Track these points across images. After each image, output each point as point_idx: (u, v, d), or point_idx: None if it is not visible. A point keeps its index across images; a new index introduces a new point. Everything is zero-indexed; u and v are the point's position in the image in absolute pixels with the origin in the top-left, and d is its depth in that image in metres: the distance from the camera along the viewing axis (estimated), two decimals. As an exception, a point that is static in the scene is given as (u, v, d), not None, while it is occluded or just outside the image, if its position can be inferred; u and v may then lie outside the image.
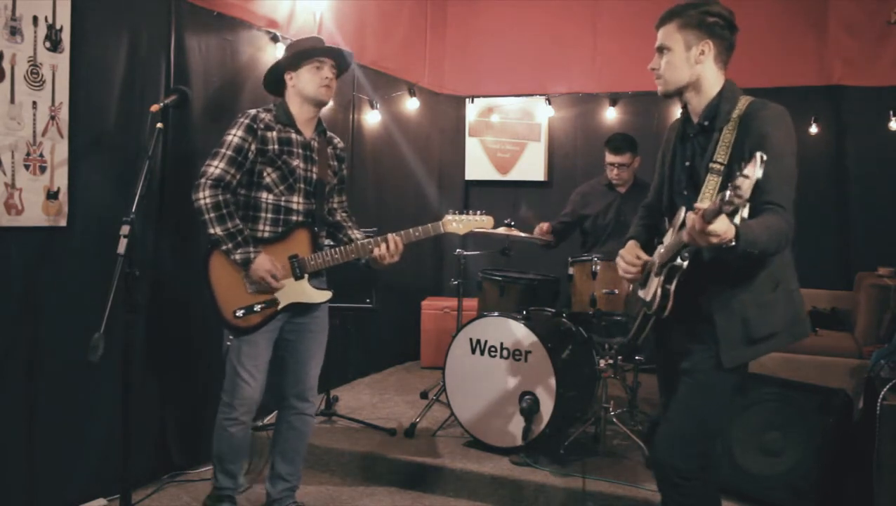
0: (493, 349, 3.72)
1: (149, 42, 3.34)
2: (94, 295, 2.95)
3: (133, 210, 2.38)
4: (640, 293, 2.33)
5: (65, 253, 3.00)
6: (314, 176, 2.95)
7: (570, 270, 3.87)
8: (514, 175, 6.04)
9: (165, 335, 3.46)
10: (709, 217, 1.80)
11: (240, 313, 2.83)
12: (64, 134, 2.98)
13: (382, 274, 4.08)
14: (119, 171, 3.15)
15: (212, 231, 2.75)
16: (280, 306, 2.87)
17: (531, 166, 5.99)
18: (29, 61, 2.83)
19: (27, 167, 2.85)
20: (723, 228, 1.81)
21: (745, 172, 1.66)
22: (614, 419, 3.74)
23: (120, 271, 2.21)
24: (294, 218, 2.90)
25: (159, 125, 2.45)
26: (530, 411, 3.53)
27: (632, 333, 2.36)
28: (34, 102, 2.86)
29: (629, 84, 5.57)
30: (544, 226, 4.35)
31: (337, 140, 3.14)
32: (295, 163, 2.89)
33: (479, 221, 2.98)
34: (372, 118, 5.18)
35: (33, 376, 2.91)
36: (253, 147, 2.82)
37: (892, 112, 4.98)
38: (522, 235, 4.13)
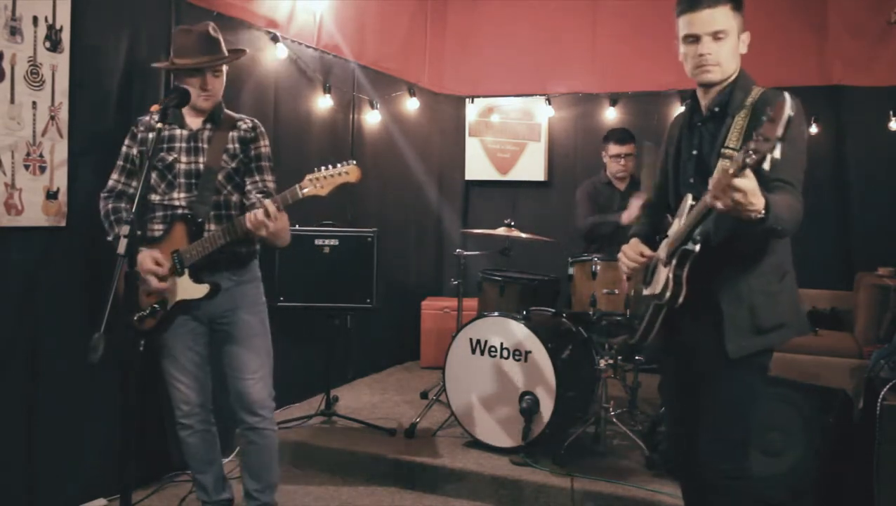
0: (493, 349, 3.72)
1: (149, 42, 3.34)
2: (94, 295, 2.97)
3: (133, 210, 2.38)
4: (646, 291, 2.30)
5: (65, 253, 3.01)
6: (200, 166, 2.78)
7: (570, 270, 3.87)
8: (514, 175, 6.03)
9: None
10: (735, 170, 1.74)
11: (137, 317, 2.68)
12: (64, 134, 2.98)
13: (382, 274, 4.11)
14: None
15: (108, 238, 2.77)
16: (169, 307, 2.73)
17: (531, 166, 5.98)
18: (29, 61, 2.84)
19: (27, 167, 2.85)
20: (749, 186, 1.74)
21: (770, 115, 1.65)
22: (614, 419, 3.74)
23: (120, 271, 2.21)
24: (179, 213, 2.77)
25: (159, 125, 2.45)
26: (530, 411, 3.53)
27: (640, 332, 2.31)
28: (34, 102, 2.86)
29: (629, 84, 5.56)
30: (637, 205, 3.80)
31: (242, 122, 2.87)
32: (171, 158, 2.76)
33: (342, 175, 2.57)
34: (372, 118, 5.18)
35: (33, 376, 2.92)
36: (135, 151, 2.82)
37: (892, 112, 4.98)
38: (523, 235, 4.14)
